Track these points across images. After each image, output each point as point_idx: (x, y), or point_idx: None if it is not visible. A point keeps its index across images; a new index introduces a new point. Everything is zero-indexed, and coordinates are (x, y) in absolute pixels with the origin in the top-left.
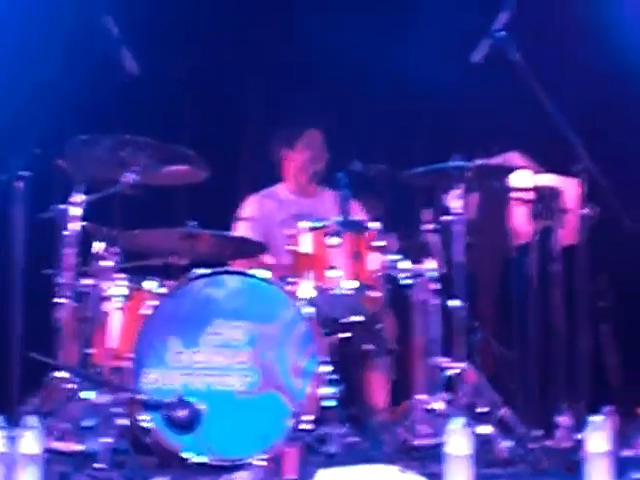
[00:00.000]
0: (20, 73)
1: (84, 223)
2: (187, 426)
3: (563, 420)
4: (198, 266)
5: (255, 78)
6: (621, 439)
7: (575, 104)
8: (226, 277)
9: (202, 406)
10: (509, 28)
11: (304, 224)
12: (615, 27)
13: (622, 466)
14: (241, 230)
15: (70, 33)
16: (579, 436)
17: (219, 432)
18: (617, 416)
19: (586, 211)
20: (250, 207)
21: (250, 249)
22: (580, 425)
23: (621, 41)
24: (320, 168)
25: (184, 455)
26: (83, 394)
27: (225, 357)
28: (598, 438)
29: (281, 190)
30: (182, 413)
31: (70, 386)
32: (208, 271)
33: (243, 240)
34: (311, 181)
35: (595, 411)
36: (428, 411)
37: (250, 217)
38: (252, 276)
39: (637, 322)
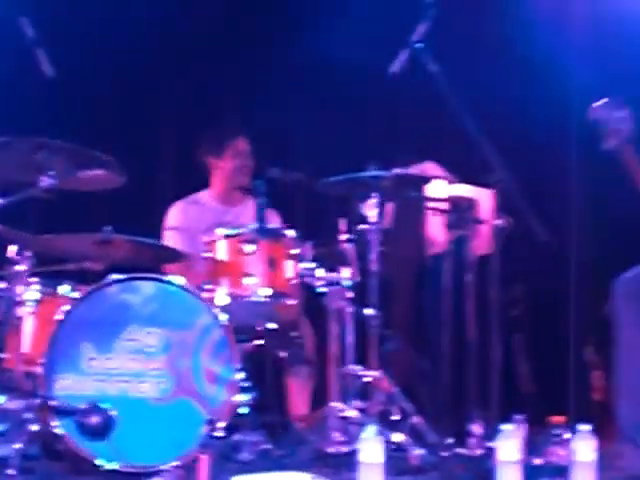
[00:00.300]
0: None
1: None
2: (100, 433)
3: (475, 428)
4: (113, 272)
5: (176, 81)
6: (531, 447)
7: (490, 116)
8: (141, 283)
9: (115, 412)
10: (427, 39)
11: (220, 231)
12: (532, 43)
13: (532, 474)
14: (168, 238)
15: None
16: (490, 444)
17: (132, 439)
18: (528, 424)
19: (500, 222)
20: (175, 214)
21: (167, 256)
22: (491, 433)
23: (536, 56)
24: (246, 179)
25: (96, 462)
26: None
27: (139, 363)
28: (509, 446)
29: (206, 197)
30: (95, 419)
31: None
32: (123, 277)
33: (160, 247)
34: (236, 190)
35: (506, 420)
36: (342, 419)
37: (174, 225)
38: (167, 282)
39: (548, 332)
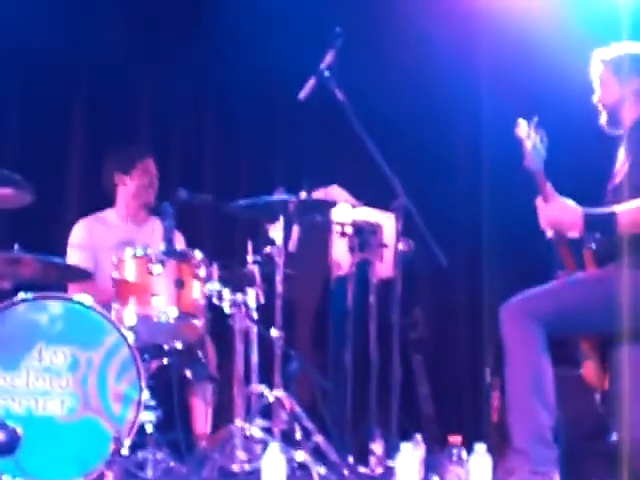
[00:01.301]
0: None
1: None
2: (5, 450)
3: (375, 447)
4: (21, 290)
5: (84, 98)
6: (430, 466)
7: (396, 142)
8: (49, 302)
9: (21, 430)
10: (334, 67)
11: (129, 251)
12: (441, 70)
13: None
14: (72, 256)
15: None
16: (391, 463)
17: (39, 456)
18: (427, 444)
19: (402, 246)
20: (79, 232)
21: (74, 275)
22: (392, 452)
23: (444, 82)
24: (151, 198)
25: (2, 478)
26: None
27: (46, 382)
28: (408, 465)
29: (111, 215)
30: (1, 437)
31: None
32: (31, 296)
33: (67, 266)
34: (142, 209)
35: (406, 439)
36: (246, 437)
37: (79, 243)
38: (75, 301)
39: (447, 354)
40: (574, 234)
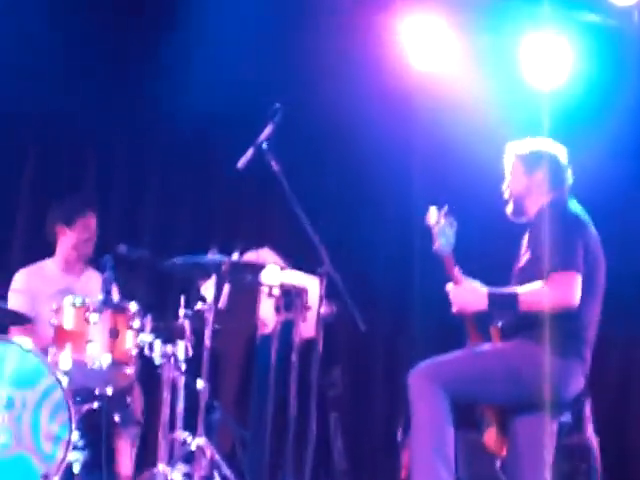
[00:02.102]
0: None
1: None
2: None
3: None
4: None
5: (30, 151)
6: None
7: (326, 210)
8: None
9: None
10: (272, 140)
11: (68, 300)
12: (373, 150)
13: None
14: (12, 301)
15: None
16: None
17: None
18: None
19: (325, 309)
20: (19, 281)
21: (15, 319)
22: None
23: (374, 160)
24: (91, 249)
25: None
26: None
27: None
28: None
29: (49, 265)
30: None
31: None
32: None
33: (8, 311)
34: (80, 260)
35: None
36: None
37: (19, 290)
38: (14, 343)
39: (363, 413)
40: (480, 310)
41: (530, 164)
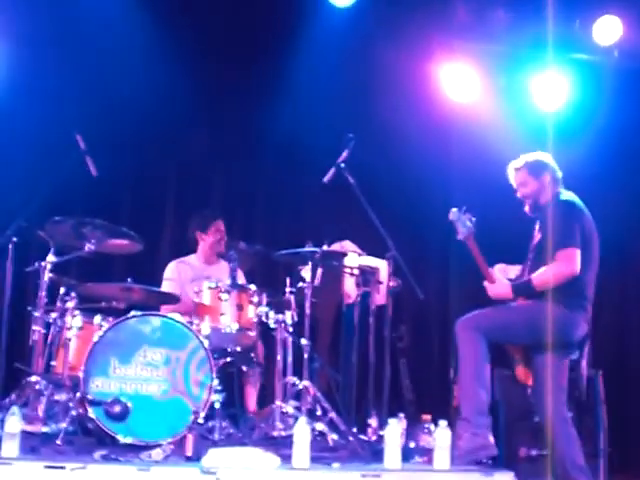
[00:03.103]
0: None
1: (53, 275)
2: (119, 418)
3: (372, 422)
4: (132, 309)
5: (176, 183)
6: (409, 435)
7: (390, 211)
8: (151, 317)
9: (130, 404)
10: (348, 161)
11: (206, 284)
12: (421, 161)
13: (409, 453)
14: (165, 286)
15: (52, 146)
16: (382, 432)
17: (142, 422)
18: (407, 420)
19: (392, 283)
20: (171, 270)
21: (167, 299)
22: (383, 425)
23: (423, 172)
24: (221, 249)
25: (117, 437)
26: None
27: (148, 372)
28: (394, 434)
29: (193, 259)
30: (116, 409)
31: (39, 387)
32: (139, 313)
33: (163, 293)
34: (215, 255)
35: (393, 416)
36: (283, 413)
37: (171, 277)
38: (169, 317)
39: (423, 358)
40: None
41: (537, 170)
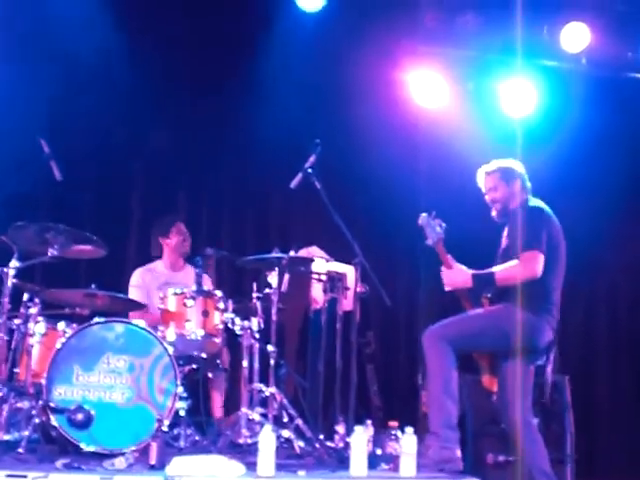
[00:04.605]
0: None
1: (16, 281)
2: (82, 425)
3: (339, 428)
4: (96, 316)
5: (139, 187)
6: (376, 442)
7: (357, 217)
8: (115, 324)
9: (93, 412)
10: (314, 166)
11: (171, 290)
12: (389, 169)
13: (375, 460)
14: (131, 293)
15: (15, 150)
16: (349, 439)
17: (105, 430)
18: (374, 426)
19: (360, 289)
20: (136, 277)
21: (133, 306)
22: (350, 432)
23: (390, 176)
24: (186, 250)
25: (80, 445)
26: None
27: (111, 379)
28: (360, 441)
29: (159, 265)
30: (79, 416)
31: (1, 394)
32: (102, 320)
33: (128, 299)
34: (180, 258)
35: (360, 423)
36: (249, 420)
37: (136, 284)
38: (132, 324)
39: (391, 364)
40: (467, 287)
41: (508, 176)
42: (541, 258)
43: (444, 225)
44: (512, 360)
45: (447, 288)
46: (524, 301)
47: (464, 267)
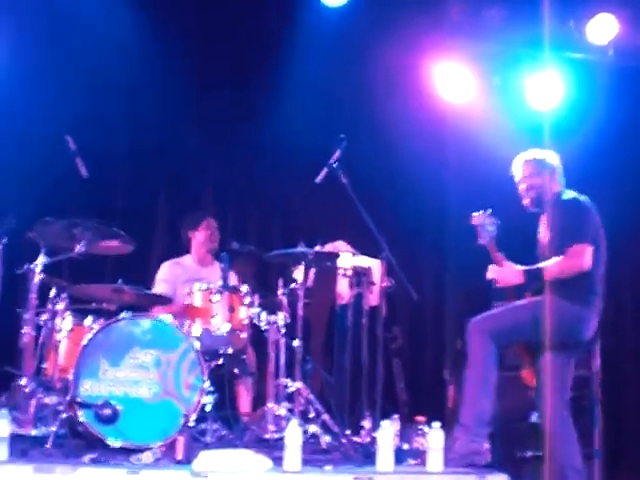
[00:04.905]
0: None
1: (44, 276)
2: (109, 421)
3: (365, 423)
4: (123, 311)
5: (167, 183)
6: (402, 437)
7: (384, 212)
8: (141, 319)
9: (120, 407)
10: (340, 161)
11: (197, 286)
12: (416, 164)
13: (401, 455)
14: (158, 287)
15: (42, 147)
16: (375, 434)
17: (132, 425)
18: (401, 421)
19: (385, 283)
20: (163, 271)
21: (159, 301)
22: (376, 427)
23: (418, 172)
24: (215, 245)
25: (107, 440)
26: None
27: (138, 374)
28: (387, 436)
29: (187, 260)
30: (106, 411)
31: (29, 389)
32: (129, 314)
33: (154, 295)
34: (208, 253)
35: (387, 418)
36: (275, 415)
37: (164, 278)
38: (159, 319)
39: (418, 359)
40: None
41: (545, 166)
42: (589, 250)
43: (499, 223)
44: (553, 352)
45: (499, 284)
46: (569, 292)
47: (513, 264)
